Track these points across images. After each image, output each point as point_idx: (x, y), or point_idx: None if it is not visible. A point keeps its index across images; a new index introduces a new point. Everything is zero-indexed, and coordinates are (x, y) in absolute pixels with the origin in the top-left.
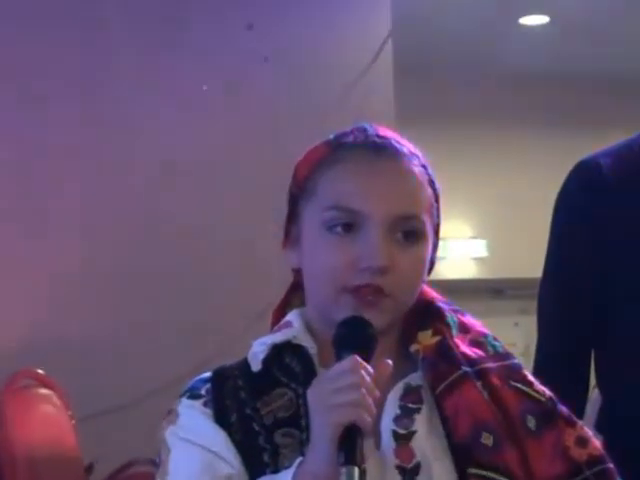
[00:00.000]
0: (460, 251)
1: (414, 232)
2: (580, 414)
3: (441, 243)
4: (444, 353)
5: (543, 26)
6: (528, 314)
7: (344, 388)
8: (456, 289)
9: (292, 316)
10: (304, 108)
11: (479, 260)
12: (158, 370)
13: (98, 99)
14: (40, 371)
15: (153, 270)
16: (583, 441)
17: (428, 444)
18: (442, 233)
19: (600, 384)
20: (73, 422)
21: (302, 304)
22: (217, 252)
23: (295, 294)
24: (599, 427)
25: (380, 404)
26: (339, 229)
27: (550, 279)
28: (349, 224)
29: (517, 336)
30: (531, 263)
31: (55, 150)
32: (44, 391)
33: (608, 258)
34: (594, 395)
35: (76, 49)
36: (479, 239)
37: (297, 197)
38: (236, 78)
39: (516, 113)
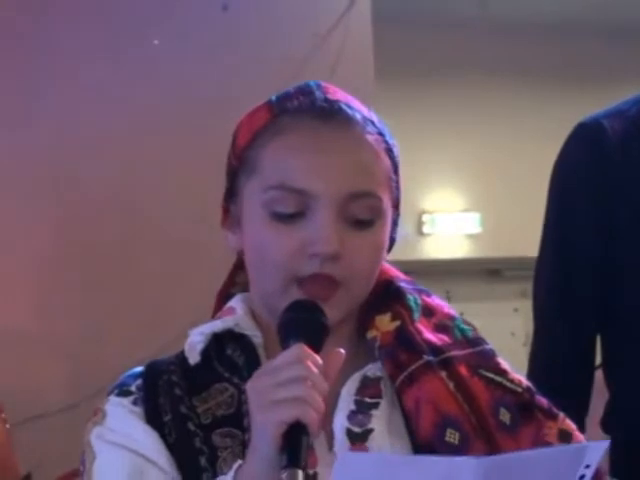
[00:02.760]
0: (450, 227)
1: (369, 211)
2: (585, 410)
3: (429, 218)
4: (404, 340)
5: None
6: (529, 298)
7: (287, 381)
8: (446, 270)
9: (235, 302)
10: (271, 62)
11: (472, 237)
12: (102, 368)
13: (33, 52)
14: None
15: (99, 257)
16: (566, 435)
17: (387, 444)
18: (430, 206)
19: (607, 377)
20: (7, 426)
21: (247, 283)
22: (165, 240)
23: (240, 273)
24: (605, 425)
25: (333, 399)
26: (284, 214)
27: (548, 259)
28: (295, 209)
29: (517, 323)
30: (531, 240)
31: None
32: None
33: (613, 232)
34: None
35: None
36: (472, 212)
37: (236, 170)
38: (190, 29)
39: (513, 67)
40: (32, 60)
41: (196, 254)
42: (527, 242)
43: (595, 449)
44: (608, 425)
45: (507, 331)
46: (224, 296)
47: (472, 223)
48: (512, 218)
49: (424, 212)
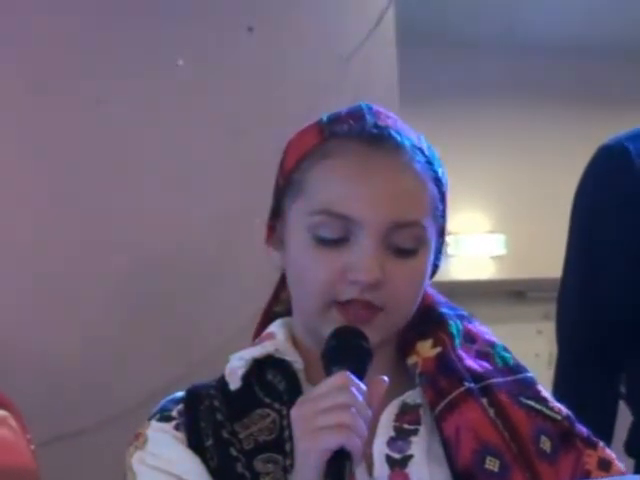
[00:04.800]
0: (475, 248)
1: (412, 240)
2: (610, 434)
3: (453, 239)
4: (445, 367)
5: None
6: (553, 320)
7: (331, 408)
8: (470, 292)
9: (275, 326)
10: (295, 85)
11: (497, 258)
12: (127, 389)
13: (52, 73)
14: None
15: (122, 271)
16: (606, 464)
17: (426, 470)
18: (455, 227)
19: (630, 401)
20: (32, 447)
21: (290, 300)
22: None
23: (283, 290)
24: (630, 449)
25: (373, 425)
26: (327, 239)
27: (572, 280)
28: (339, 234)
29: (540, 345)
30: (556, 261)
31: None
32: None
33: (638, 254)
34: None
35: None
36: (497, 234)
37: (283, 191)
38: (215, 51)
39: (538, 89)
40: (54, 79)
41: (226, 273)
42: (552, 264)
43: None
44: (632, 448)
45: (531, 353)
46: (269, 313)
47: (497, 245)
48: (537, 240)
49: (448, 233)
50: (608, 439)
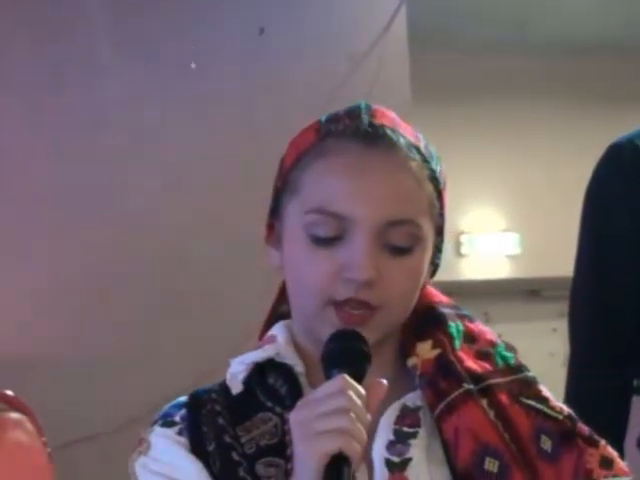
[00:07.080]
0: (489, 247)
1: (407, 238)
2: (622, 429)
3: (467, 238)
4: (444, 369)
5: None
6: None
7: (330, 412)
8: (485, 291)
9: (277, 329)
10: (308, 85)
11: (511, 257)
12: (141, 394)
13: (64, 75)
14: (10, 393)
15: (137, 286)
16: (608, 462)
17: (426, 473)
18: (469, 226)
19: None
20: (48, 450)
21: None
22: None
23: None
24: None
25: (372, 427)
26: (322, 238)
27: (584, 280)
28: (334, 233)
29: (555, 344)
30: (571, 260)
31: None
32: (15, 415)
33: None
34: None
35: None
36: (511, 233)
37: (280, 190)
38: (227, 53)
39: (551, 87)
40: (79, 98)
41: (238, 281)
42: (567, 262)
43: None
44: None
45: (546, 351)
46: (275, 313)
47: (511, 243)
48: (552, 238)
49: (462, 232)
50: (621, 434)
